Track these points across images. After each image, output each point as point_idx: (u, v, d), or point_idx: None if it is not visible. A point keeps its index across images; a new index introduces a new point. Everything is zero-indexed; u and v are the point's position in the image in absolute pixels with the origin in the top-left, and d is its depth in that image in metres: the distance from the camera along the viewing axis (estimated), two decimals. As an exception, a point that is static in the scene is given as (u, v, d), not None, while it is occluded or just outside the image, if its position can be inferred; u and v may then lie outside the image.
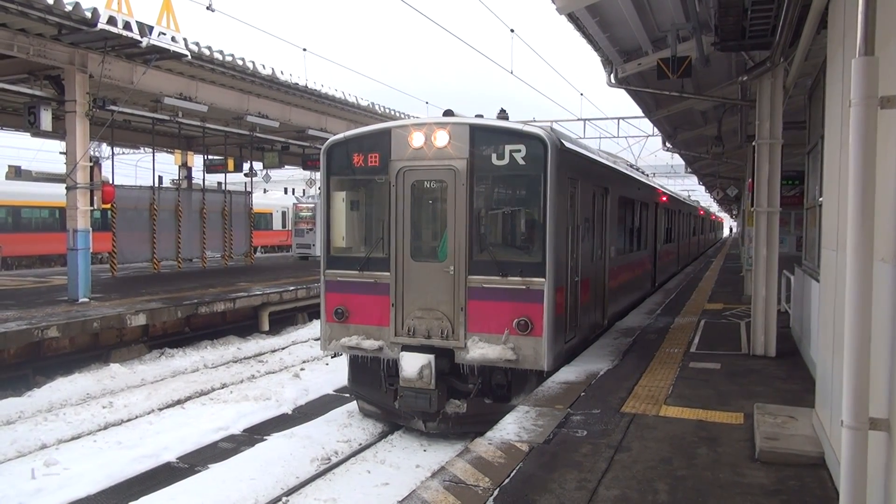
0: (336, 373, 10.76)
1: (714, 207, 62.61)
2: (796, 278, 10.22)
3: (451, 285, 7.94)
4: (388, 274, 8.23)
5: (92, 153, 14.41)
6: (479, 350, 7.73)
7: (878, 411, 3.15)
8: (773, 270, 8.84)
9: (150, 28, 12.80)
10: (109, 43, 12.60)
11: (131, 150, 29.95)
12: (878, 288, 3.16)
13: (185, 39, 13.75)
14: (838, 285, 4.25)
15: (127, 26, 12.28)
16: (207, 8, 12.64)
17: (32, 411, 9.28)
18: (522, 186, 8.33)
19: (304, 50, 19.60)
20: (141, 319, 12.36)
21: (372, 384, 8.63)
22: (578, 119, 26.86)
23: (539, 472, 4.87)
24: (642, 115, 15.81)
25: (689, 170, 30.44)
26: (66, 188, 13.64)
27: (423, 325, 8.06)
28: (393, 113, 22.38)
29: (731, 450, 5.32)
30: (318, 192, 20.12)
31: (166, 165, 31.68)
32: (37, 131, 14.06)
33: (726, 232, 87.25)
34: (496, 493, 4.53)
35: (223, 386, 10.88)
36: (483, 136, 7.91)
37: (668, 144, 19.75)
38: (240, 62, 15.88)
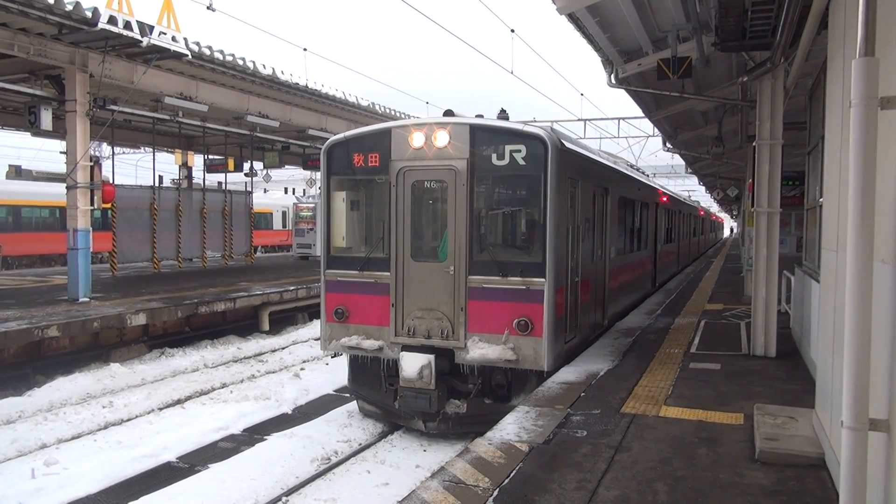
0: (336, 373, 10.77)
1: (714, 208, 62.62)
2: (796, 279, 10.22)
3: (451, 285, 7.94)
4: (388, 274, 8.23)
5: (92, 153, 14.41)
6: (479, 350, 7.73)
7: (878, 412, 3.15)
8: (773, 271, 8.83)
9: (151, 28, 12.81)
10: (110, 42, 12.61)
11: (132, 150, 29.94)
12: (878, 289, 3.16)
13: (185, 39, 13.75)
14: (838, 286, 4.25)
15: (127, 26, 12.28)
16: (208, 8, 12.65)
17: (32, 411, 9.28)
18: (523, 186, 8.33)
19: (305, 50, 19.63)
20: (141, 319, 12.36)
21: (372, 384, 8.63)
22: (579, 119, 26.88)
23: (539, 473, 4.87)
24: (643, 115, 15.81)
25: (689, 170, 30.44)
26: (67, 188, 13.65)
27: (424, 325, 8.06)
28: (393, 113, 22.39)
29: (730, 450, 5.31)
30: (318, 191, 20.12)
31: (167, 165, 31.69)
32: (37, 131, 14.07)
33: (727, 232, 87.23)
34: (496, 493, 4.53)
35: (223, 386, 10.89)
36: (483, 137, 7.91)
37: (668, 145, 19.74)
38: (240, 62, 15.88)
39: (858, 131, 2.98)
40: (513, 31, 17.14)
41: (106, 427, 8.75)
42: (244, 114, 18.49)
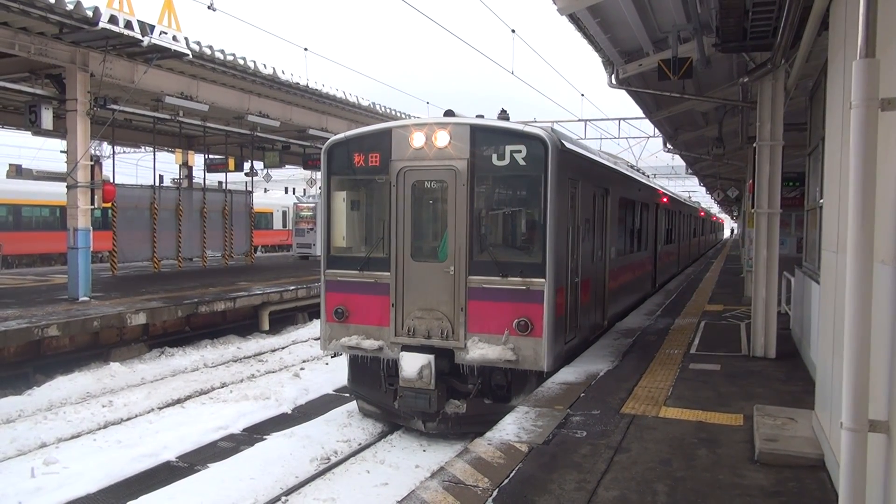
0: (336, 372, 10.76)
1: (715, 209, 62.62)
2: (796, 280, 10.21)
3: (451, 285, 7.94)
4: (388, 274, 8.23)
5: (93, 152, 14.41)
6: (479, 350, 7.73)
7: (877, 413, 3.15)
8: (773, 272, 8.83)
9: (152, 27, 12.81)
10: (111, 42, 12.62)
11: (132, 149, 29.96)
12: (879, 290, 3.16)
13: (186, 39, 13.75)
14: (838, 287, 4.25)
15: (128, 25, 12.29)
16: (209, 7, 12.65)
17: (32, 410, 9.29)
18: (523, 187, 8.33)
19: (306, 50, 19.65)
20: (141, 318, 12.37)
21: (372, 384, 8.63)
22: (579, 120, 26.87)
23: (538, 473, 4.87)
24: (643, 116, 15.81)
25: (689, 171, 30.44)
26: (67, 187, 13.65)
27: (423, 325, 8.06)
28: (394, 113, 22.39)
29: (730, 451, 5.31)
30: (318, 191, 20.12)
31: (167, 164, 31.74)
32: (38, 130, 14.09)
33: (727, 233, 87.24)
34: (495, 493, 4.53)
35: (223, 385, 10.89)
36: (484, 137, 7.91)
37: (668, 145, 19.74)
38: (241, 62, 15.89)
39: (859, 133, 2.98)
40: (514, 31, 17.15)
41: (105, 426, 8.75)
42: (245, 113, 18.50)
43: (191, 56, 14.00)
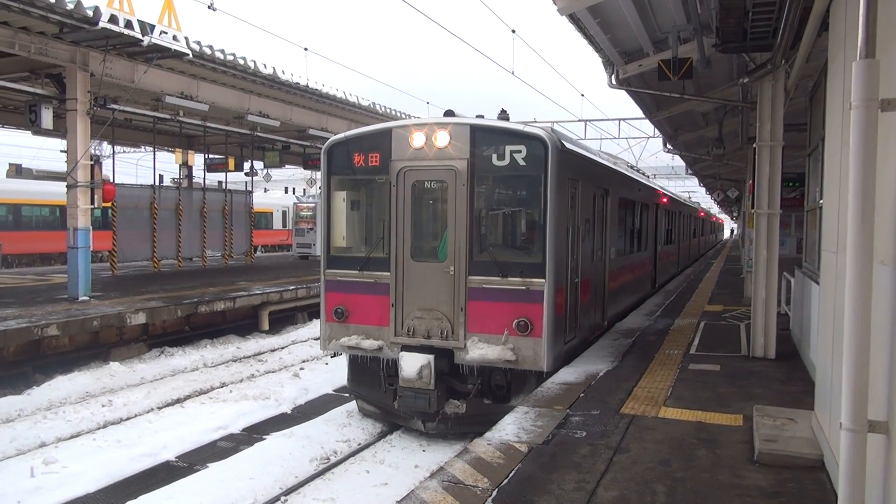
0: (336, 372, 10.76)
1: (715, 209, 62.62)
2: (796, 280, 10.21)
3: (451, 285, 7.94)
4: (388, 274, 8.23)
5: (93, 151, 14.40)
6: (479, 350, 7.73)
7: (877, 414, 3.15)
8: (773, 272, 8.83)
9: (152, 27, 12.81)
10: (111, 41, 12.62)
11: (132, 149, 29.95)
12: (878, 290, 3.16)
13: (186, 38, 13.76)
14: (838, 287, 4.25)
15: (128, 25, 12.29)
16: (209, 7, 12.65)
17: (32, 409, 9.28)
18: (523, 187, 8.33)
19: (306, 49, 19.64)
20: (141, 318, 12.37)
21: (371, 384, 8.63)
22: (579, 120, 26.87)
23: (538, 473, 4.87)
24: (643, 116, 15.80)
25: (689, 171, 30.43)
26: (67, 186, 13.65)
27: (423, 325, 8.06)
28: (394, 113, 22.39)
29: (729, 452, 5.31)
30: (318, 191, 20.12)
31: (167, 164, 31.73)
32: (38, 129, 14.10)
33: (727, 234, 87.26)
34: (495, 493, 4.53)
35: (223, 385, 10.89)
36: (484, 137, 7.91)
37: (668, 146, 19.73)
38: (241, 61, 15.89)
39: (859, 133, 2.98)
40: (514, 31, 17.16)
41: (105, 426, 8.75)
42: (245, 113, 18.49)
43: (191, 56, 14.00)
